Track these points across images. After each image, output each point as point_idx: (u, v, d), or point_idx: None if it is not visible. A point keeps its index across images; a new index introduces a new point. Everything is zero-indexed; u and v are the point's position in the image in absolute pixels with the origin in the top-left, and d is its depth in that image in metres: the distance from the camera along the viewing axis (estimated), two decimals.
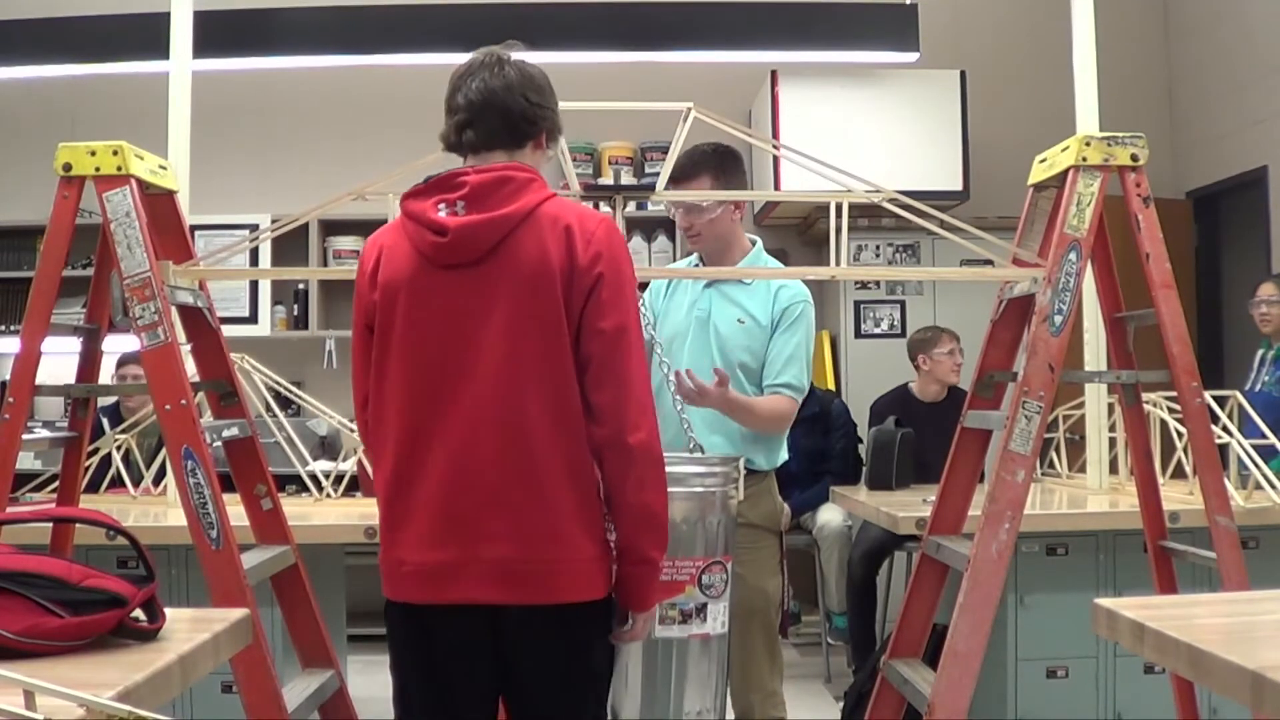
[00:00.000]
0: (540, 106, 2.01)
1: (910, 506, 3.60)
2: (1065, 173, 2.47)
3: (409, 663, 2.00)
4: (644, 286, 3.06)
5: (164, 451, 3.16)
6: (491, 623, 1.91)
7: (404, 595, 1.96)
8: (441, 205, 1.93)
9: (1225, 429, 3.38)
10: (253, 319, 6.01)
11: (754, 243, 3.01)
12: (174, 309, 2.42)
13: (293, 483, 3.66)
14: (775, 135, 5.50)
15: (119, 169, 2.33)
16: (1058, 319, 2.41)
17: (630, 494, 1.91)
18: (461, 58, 2.03)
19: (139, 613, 1.42)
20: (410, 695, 2.01)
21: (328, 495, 3.67)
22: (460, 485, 1.89)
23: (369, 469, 2.62)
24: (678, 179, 2.85)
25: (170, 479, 3.63)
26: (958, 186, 5.63)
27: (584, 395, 1.91)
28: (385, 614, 2.00)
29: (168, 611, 1.47)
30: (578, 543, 1.90)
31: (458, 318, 1.91)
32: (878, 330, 5.78)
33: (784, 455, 3.00)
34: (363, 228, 5.65)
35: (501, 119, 1.97)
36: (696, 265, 3.07)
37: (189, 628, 1.48)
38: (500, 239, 1.90)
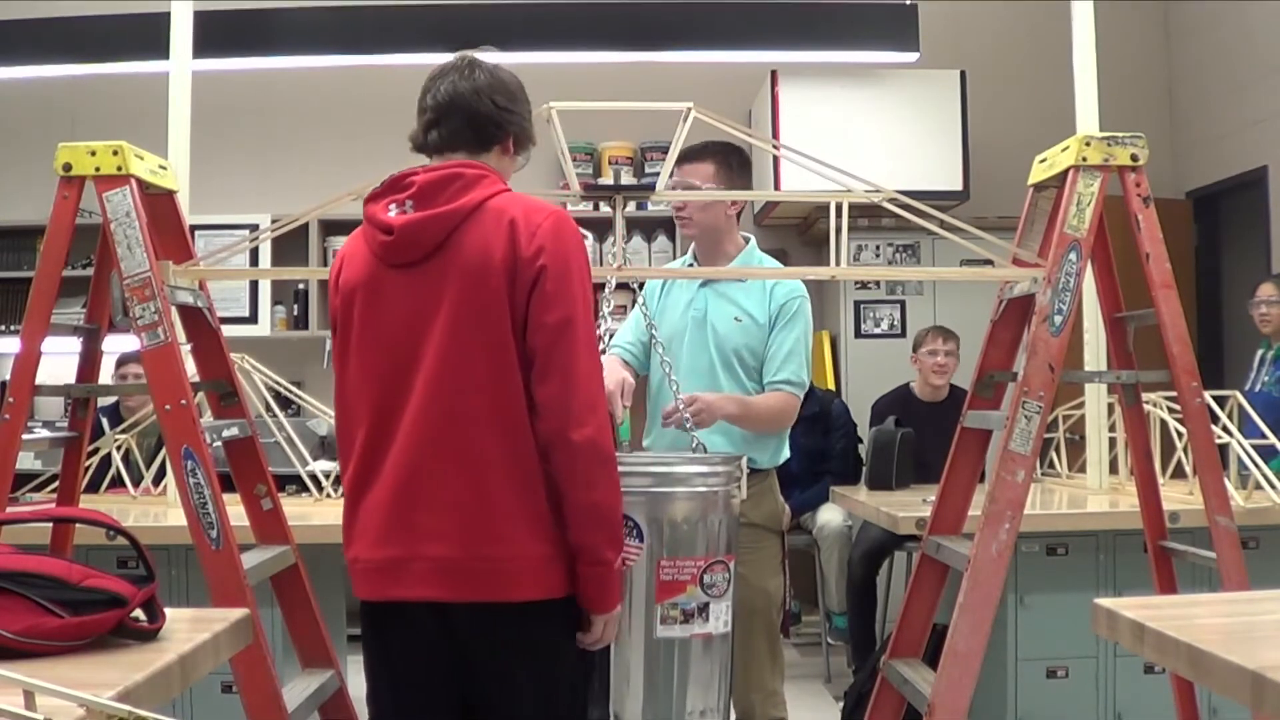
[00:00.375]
0: (508, 111, 1.99)
1: (910, 506, 3.59)
2: (1065, 173, 2.46)
3: (372, 661, 2.01)
4: (642, 285, 3.06)
5: (164, 451, 3.16)
6: (442, 623, 1.89)
7: (359, 593, 1.97)
8: (392, 205, 1.94)
9: (1225, 429, 3.38)
10: (253, 319, 6.01)
11: (747, 240, 3.02)
12: (174, 309, 2.41)
13: (293, 483, 3.66)
14: (775, 135, 5.50)
15: (119, 169, 2.33)
16: (1058, 319, 2.41)
17: (579, 493, 1.87)
18: None
19: (139, 613, 1.42)
20: (379, 695, 2.01)
21: (328, 495, 3.66)
22: (408, 483, 1.89)
23: None
24: (681, 160, 2.85)
25: (170, 479, 3.63)
26: (958, 186, 5.62)
27: (531, 391, 1.88)
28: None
29: (168, 611, 1.47)
30: (522, 541, 1.87)
31: (408, 316, 1.91)
32: (878, 330, 5.78)
33: (786, 453, 3.00)
34: None
35: (467, 121, 1.96)
36: (691, 265, 3.07)
37: (189, 628, 1.48)
38: (445, 236, 1.89)
